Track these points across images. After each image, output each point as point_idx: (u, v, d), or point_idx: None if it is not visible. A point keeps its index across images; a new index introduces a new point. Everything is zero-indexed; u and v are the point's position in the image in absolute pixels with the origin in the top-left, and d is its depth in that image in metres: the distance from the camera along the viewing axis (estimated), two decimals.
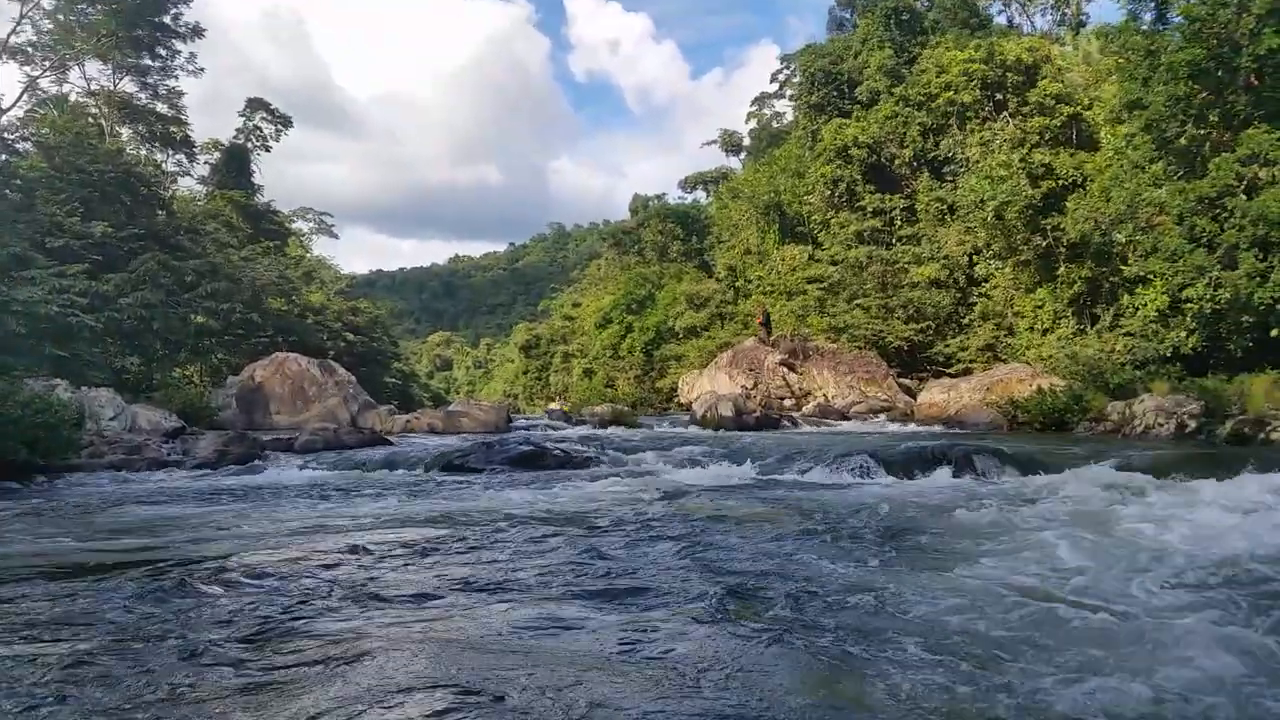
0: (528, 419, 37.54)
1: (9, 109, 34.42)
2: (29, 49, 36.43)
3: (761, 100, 64.42)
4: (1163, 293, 22.88)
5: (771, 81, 60.87)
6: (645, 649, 4.00)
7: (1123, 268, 24.99)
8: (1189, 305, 21.79)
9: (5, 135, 32.55)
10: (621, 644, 4.06)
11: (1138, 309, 24.05)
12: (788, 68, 56.49)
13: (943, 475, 10.95)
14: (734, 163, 66.95)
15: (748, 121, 65.64)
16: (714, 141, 67.78)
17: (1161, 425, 16.41)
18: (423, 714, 3.19)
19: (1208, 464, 10.24)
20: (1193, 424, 16.05)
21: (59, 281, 24.08)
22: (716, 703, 3.29)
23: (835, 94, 44.39)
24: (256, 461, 15.58)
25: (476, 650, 4.04)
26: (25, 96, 36.50)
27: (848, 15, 52.41)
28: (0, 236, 24.13)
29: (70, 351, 23.27)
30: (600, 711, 3.18)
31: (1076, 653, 3.78)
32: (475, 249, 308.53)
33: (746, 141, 65.61)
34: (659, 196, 71.19)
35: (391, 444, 19.30)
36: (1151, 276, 23.37)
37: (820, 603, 4.86)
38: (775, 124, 62.81)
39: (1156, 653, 3.75)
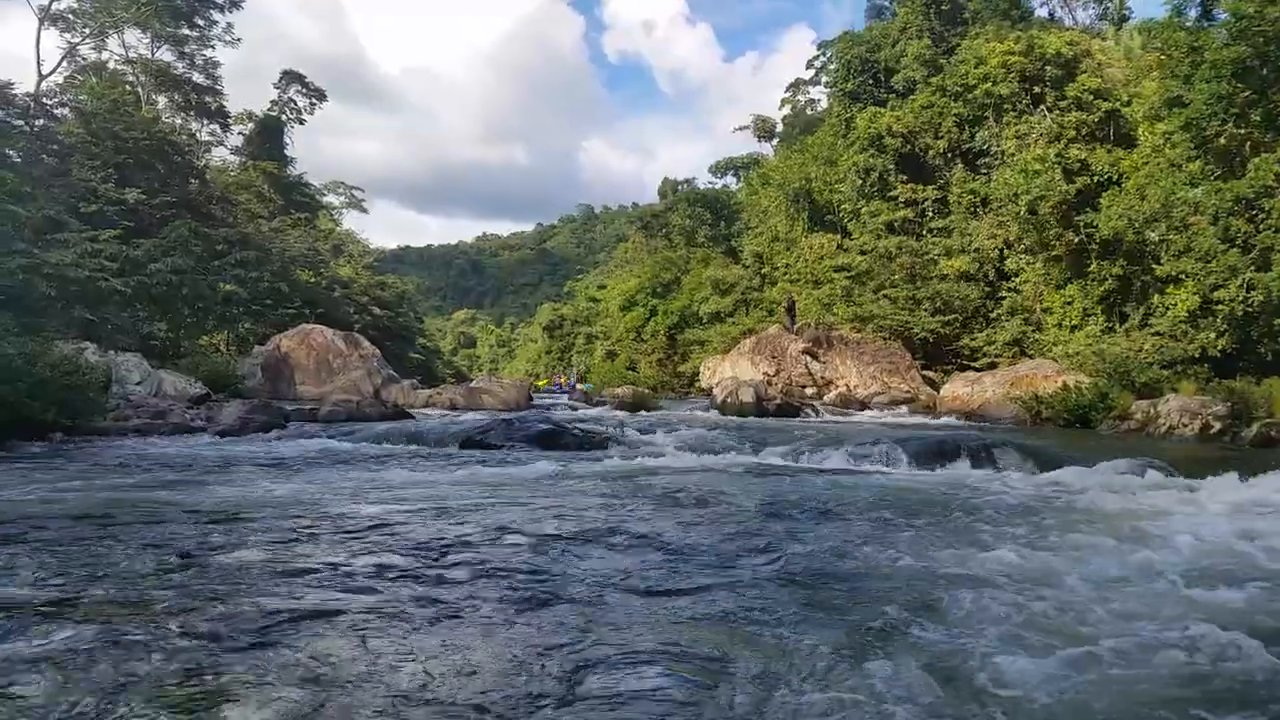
0: (549, 395, 37.69)
1: (49, 75, 34.81)
2: (70, 16, 36.76)
3: (796, 86, 63.96)
4: (1194, 293, 22.60)
5: (807, 68, 60.41)
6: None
7: (1155, 267, 24.68)
8: (1220, 307, 21.50)
9: (44, 100, 32.91)
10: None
11: (1168, 309, 23.78)
12: (824, 54, 55.99)
13: (960, 467, 10.88)
14: (766, 149, 66.56)
15: (781, 107, 65.25)
16: (746, 127, 67.40)
17: (1186, 426, 16.21)
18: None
19: (1226, 465, 10.06)
20: (1218, 425, 15.84)
21: (91, 245, 24.38)
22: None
23: (871, 82, 44.02)
24: (279, 431, 15.75)
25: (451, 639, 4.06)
26: (65, 63, 36.88)
27: (886, 3, 51.82)
28: (36, 200, 24.43)
29: (99, 315, 23.59)
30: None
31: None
32: (503, 228, 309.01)
33: (779, 128, 65.17)
34: (689, 181, 70.91)
35: (413, 418, 19.45)
36: (1183, 276, 23.08)
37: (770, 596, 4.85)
38: (809, 111, 62.35)
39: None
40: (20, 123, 29.60)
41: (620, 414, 23.53)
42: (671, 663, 3.50)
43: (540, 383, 53.01)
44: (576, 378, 53.96)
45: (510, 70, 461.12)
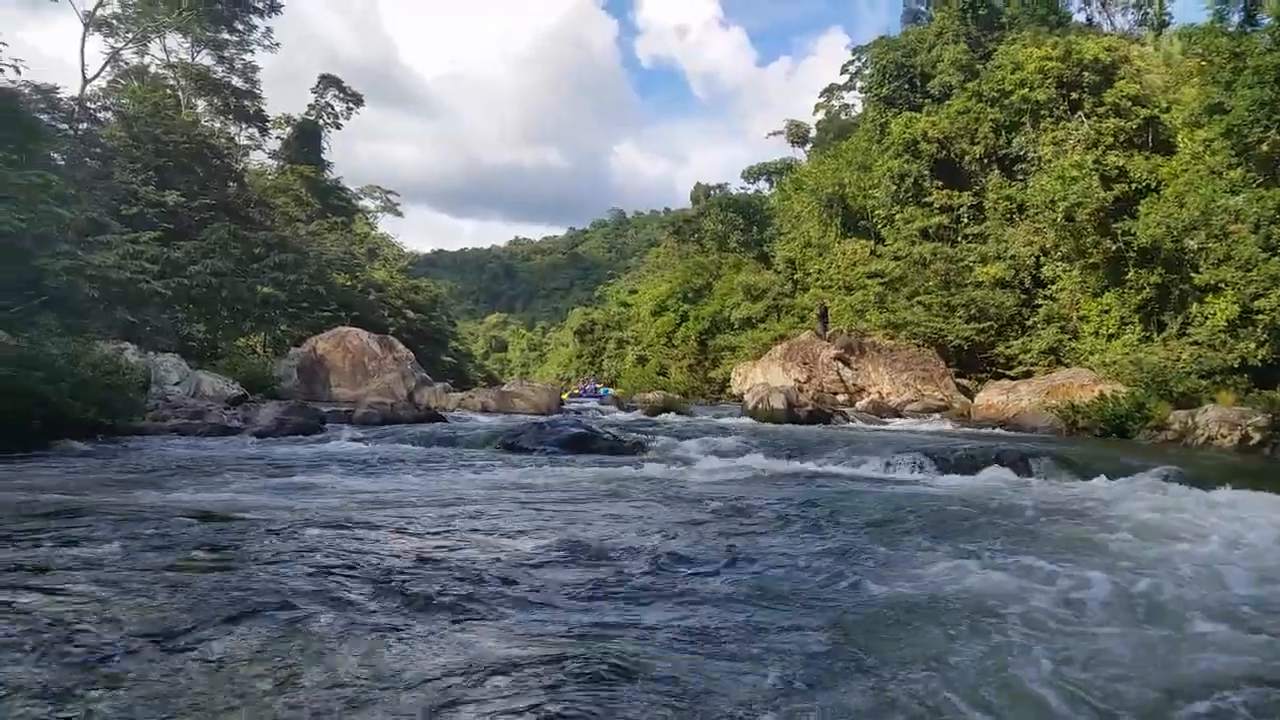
0: (577, 399, 37.77)
1: (93, 79, 35.43)
2: (114, 21, 37.46)
3: (830, 91, 63.77)
4: (1233, 302, 22.28)
5: (841, 73, 60.24)
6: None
7: (1193, 275, 24.37)
8: (1260, 316, 21.19)
9: (88, 104, 33.50)
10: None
11: (1207, 318, 23.46)
12: (859, 59, 55.81)
13: (992, 477, 10.79)
14: (799, 154, 66.31)
15: (815, 113, 65.08)
16: (780, 132, 67.20)
17: (1225, 437, 15.98)
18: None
19: (1266, 478, 9.92)
20: (1257, 436, 15.60)
21: (132, 247, 24.78)
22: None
23: (906, 87, 43.81)
24: (315, 432, 15.92)
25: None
26: (108, 68, 37.57)
27: (923, 8, 51.59)
28: (79, 202, 24.86)
29: (140, 317, 23.95)
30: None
31: None
32: (535, 232, 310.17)
33: (813, 133, 64.96)
34: (721, 186, 70.88)
35: (445, 421, 19.58)
36: (1223, 285, 22.77)
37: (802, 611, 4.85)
38: (844, 116, 62.12)
39: None
40: (65, 126, 30.15)
41: (652, 419, 23.55)
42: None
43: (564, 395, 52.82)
44: (595, 383, 53.77)
45: (544, 74, 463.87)
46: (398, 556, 5.45)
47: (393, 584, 4.75)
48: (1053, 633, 4.15)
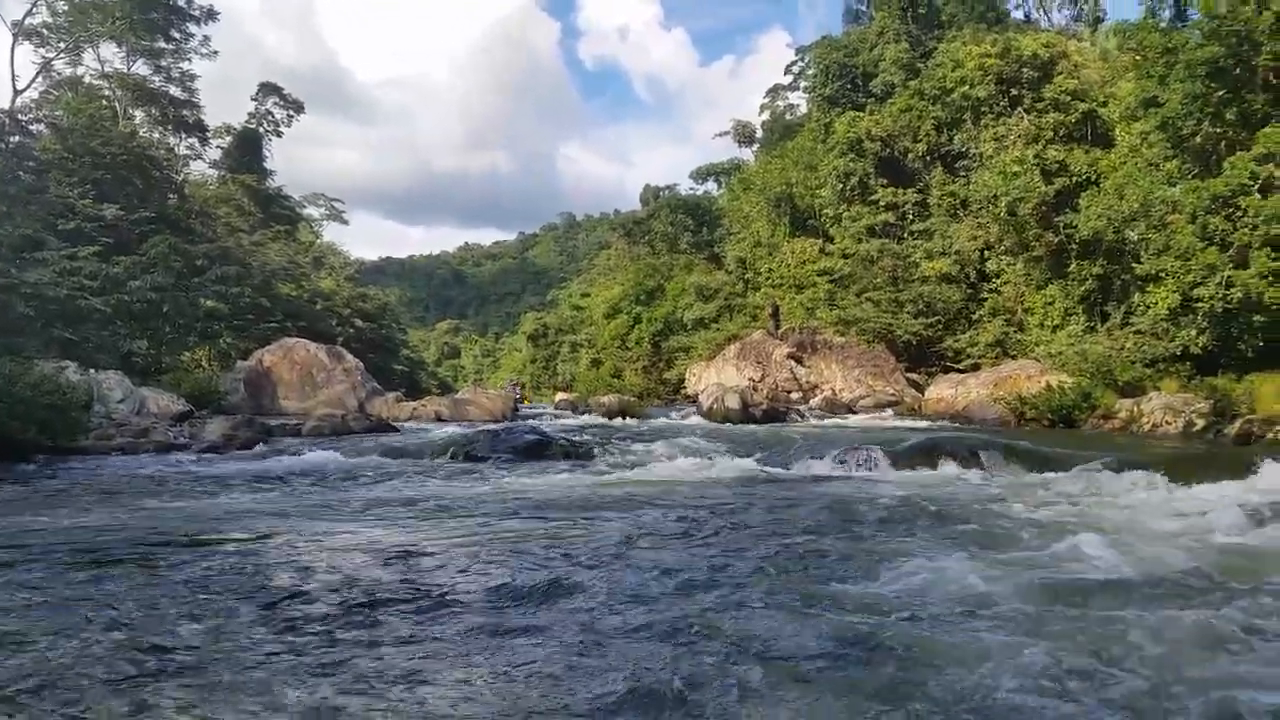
0: (537, 406, 37.61)
1: (24, 90, 34.51)
2: (44, 31, 36.52)
3: (775, 91, 64.07)
4: (1174, 291, 22.71)
5: (785, 73, 60.60)
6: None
7: (1134, 266, 24.81)
8: (1200, 304, 21.62)
9: (20, 117, 32.63)
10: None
11: (1149, 307, 23.90)
12: (802, 59, 56.21)
13: (942, 470, 10.90)
14: (746, 154, 66.56)
15: (761, 113, 65.34)
16: (726, 133, 67.38)
17: (1169, 423, 16.35)
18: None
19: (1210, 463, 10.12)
20: (1201, 423, 15.97)
21: (69, 263, 24.19)
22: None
23: (849, 86, 44.18)
24: (263, 447, 15.63)
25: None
26: (40, 79, 36.62)
27: (863, 7, 52.09)
28: (12, 218, 24.22)
29: (79, 334, 23.38)
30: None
31: None
32: (485, 237, 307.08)
33: (759, 133, 65.25)
34: (670, 187, 70.96)
35: (398, 431, 19.36)
36: (1163, 275, 23.20)
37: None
38: (789, 116, 62.45)
39: None
40: None
41: (607, 422, 23.49)
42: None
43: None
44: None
45: (487, 77, 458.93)
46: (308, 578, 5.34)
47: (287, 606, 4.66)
48: None
